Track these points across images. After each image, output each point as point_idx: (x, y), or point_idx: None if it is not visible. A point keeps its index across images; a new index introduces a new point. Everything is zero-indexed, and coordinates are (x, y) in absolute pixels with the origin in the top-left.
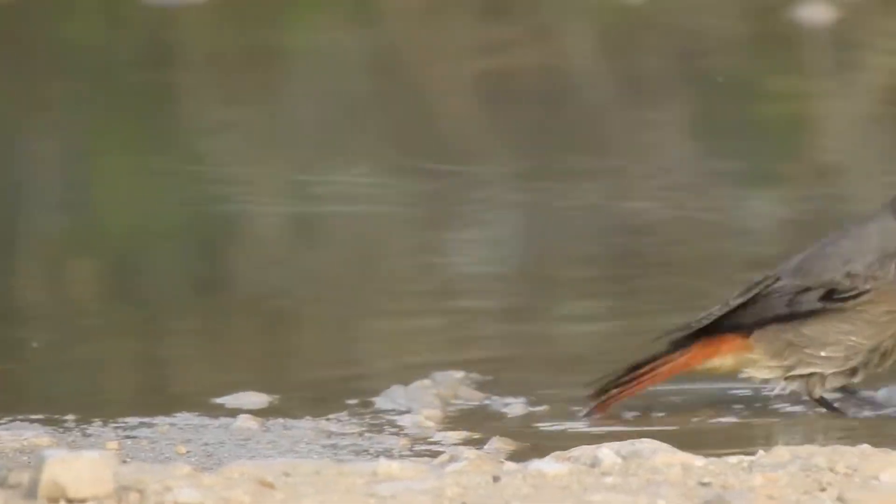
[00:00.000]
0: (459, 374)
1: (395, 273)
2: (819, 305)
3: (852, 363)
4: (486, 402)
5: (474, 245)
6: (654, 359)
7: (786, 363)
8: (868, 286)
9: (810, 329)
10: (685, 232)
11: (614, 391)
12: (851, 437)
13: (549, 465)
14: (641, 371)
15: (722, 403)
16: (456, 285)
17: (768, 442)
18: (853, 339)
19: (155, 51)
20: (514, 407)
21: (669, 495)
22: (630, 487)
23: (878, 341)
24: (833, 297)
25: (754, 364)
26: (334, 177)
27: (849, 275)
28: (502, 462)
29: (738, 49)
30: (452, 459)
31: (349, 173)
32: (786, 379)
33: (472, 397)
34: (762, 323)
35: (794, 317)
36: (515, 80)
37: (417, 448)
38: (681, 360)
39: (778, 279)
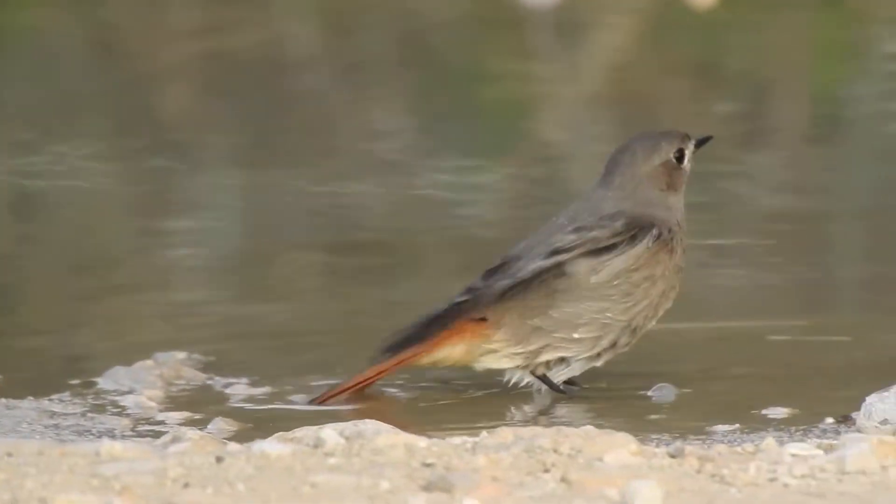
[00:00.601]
0: (182, 355)
1: (114, 253)
2: (547, 263)
3: (603, 344)
4: (209, 382)
5: (194, 226)
6: (382, 360)
7: (530, 348)
8: (594, 233)
9: (560, 312)
10: (406, 214)
11: (339, 388)
12: (575, 418)
13: (273, 446)
14: (368, 372)
15: (445, 384)
16: (176, 266)
17: (492, 423)
18: (608, 315)
19: None
20: (237, 387)
21: (393, 476)
22: (353, 468)
23: (633, 315)
24: (559, 251)
25: (493, 353)
26: (53, 158)
27: (577, 230)
28: (225, 443)
29: (461, 30)
30: (175, 440)
31: (68, 154)
32: (525, 367)
33: (195, 378)
34: (506, 311)
35: (542, 295)
36: (236, 61)
37: (140, 429)
38: (407, 355)
39: (509, 264)
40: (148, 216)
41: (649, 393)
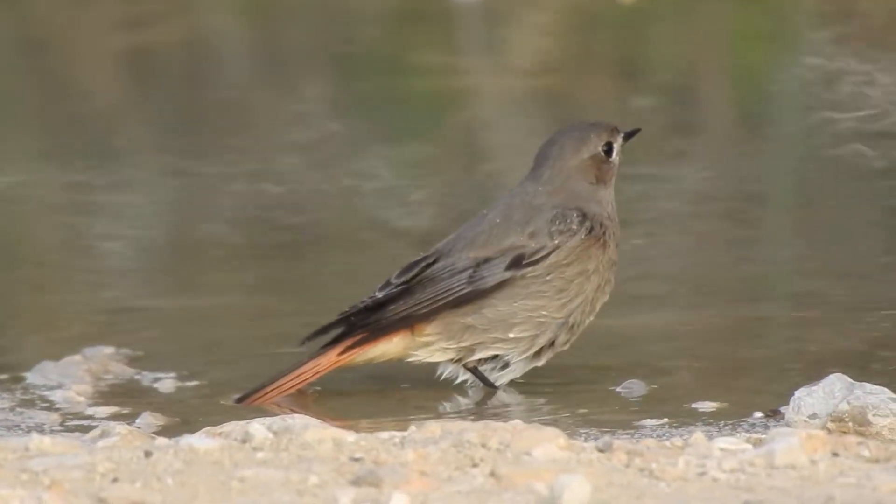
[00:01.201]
0: (109, 350)
1: (40, 248)
2: (507, 275)
3: (541, 342)
4: (137, 377)
5: (122, 220)
6: (313, 356)
7: (463, 345)
8: (556, 241)
9: (494, 311)
10: (332, 206)
11: (270, 390)
12: (504, 412)
13: (201, 441)
14: (299, 371)
15: (373, 379)
16: (105, 260)
17: (420, 417)
18: (544, 313)
19: None
20: (165, 382)
21: (321, 471)
22: (282, 463)
23: (569, 311)
24: (522, 263)
25: (426, 347)
26: None
27: (532, 235)
28: (154, 437)
29: (388, 23)
30: (104, 434)
31: None
32: (458, 361)
33: (123, 373)
34: (439, 308)
35: (477, 294)
36: (159, 55)
37: (69, 423)
38: (340, 356)
39: (438, 259)
40: (73, 211)
41: (618, 389)
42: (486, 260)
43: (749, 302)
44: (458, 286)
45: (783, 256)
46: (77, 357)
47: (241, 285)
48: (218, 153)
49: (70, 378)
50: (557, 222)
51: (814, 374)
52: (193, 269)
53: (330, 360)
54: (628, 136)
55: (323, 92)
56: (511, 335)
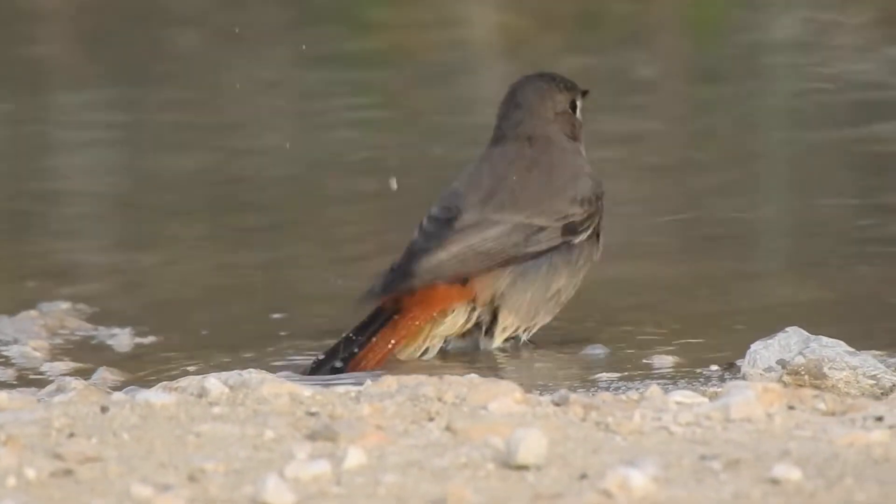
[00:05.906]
0: (66, 305)
1: None
2: (562, 240)
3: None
4: (93, 332)
5: (75, 174)
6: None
7: (532, 321)
8: (592, 208)
9: (558, 282)
10: (290, 166)
11: (365, 357)
12: (460, 367)
13: (157, 396)
14: (377, 340)
15: (327, 332)
16: (59, 214)
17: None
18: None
19: None
20: (121, 338)
21: (278, 425)
22: (238, 417)
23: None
24: (576, 231)
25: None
26: None
27: (578, 202)
28: (110, 392)
29: None
30: (60, 390)
31: None
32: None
33: (79, 328)
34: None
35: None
36: (114, 11)
37: (25, 379)
38: (408, 322)
39: (459, 215)
40: (26, 159)
41: (576, 346)
42: (541, 228)
43: (706, 255)
44: (512, 250)
45: (736, 208)
46: (33, 312)
47: (197, 239)
48: (172, 103)
49: (26, 333)
50: (597, 187)
51: (769, 326)
52: (149, 224)
53: (403, 331)
54: (583, 94)
55: (279, 50)
56: (562, 299)
